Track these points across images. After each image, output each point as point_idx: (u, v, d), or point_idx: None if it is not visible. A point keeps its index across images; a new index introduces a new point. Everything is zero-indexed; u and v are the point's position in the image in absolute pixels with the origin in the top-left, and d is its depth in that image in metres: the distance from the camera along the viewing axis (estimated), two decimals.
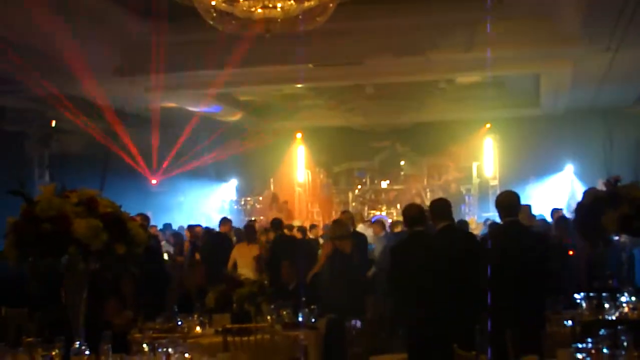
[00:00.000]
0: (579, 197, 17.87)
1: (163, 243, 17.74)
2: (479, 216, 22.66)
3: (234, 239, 16.33)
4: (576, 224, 8.83)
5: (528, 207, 15.73)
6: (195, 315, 9.11)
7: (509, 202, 8.25)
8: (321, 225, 20.74)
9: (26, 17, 13.43)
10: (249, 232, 15.04)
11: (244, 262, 13.93)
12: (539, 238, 8.84)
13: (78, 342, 5.34)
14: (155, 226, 18.04)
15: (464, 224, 14.81)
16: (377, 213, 23.48)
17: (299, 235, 16.84)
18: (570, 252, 12.62)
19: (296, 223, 20.45)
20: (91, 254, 5.07)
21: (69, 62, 15.43)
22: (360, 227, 16.95)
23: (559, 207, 16.77)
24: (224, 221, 17.06)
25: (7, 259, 5.01)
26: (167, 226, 19.88)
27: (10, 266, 5.18)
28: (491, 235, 8.76)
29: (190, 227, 18.48)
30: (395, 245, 9.24)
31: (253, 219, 21.98)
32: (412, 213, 8.60)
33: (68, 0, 13.28)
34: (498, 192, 21.75)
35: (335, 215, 23.23)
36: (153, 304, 11.45)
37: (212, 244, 15.95)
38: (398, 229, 16.71)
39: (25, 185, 5.21)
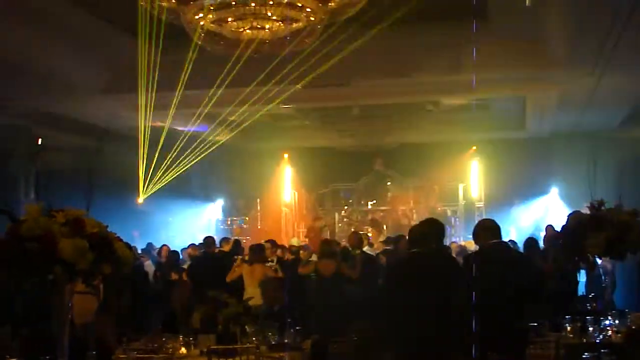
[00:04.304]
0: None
1: (148, 262, 17.71)
2: (465, 237, 22.69)
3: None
4: (560, 246, 8.83)
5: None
6: (180, 336, 9.09)
7: (489, 226, 8.31)
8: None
9: (13, 35, 13.45)
10: (252, 253, 14.86)
11: (249, 282, 13.90)
12: (522, 259, 8.87)
13: None
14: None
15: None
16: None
17: (290, 256, 16.85)
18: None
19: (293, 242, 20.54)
20: (77, 273, 5.07)
21: (57, 80, 15.45)
22: (366, 249, 16.91)
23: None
24: (226, 240, 17.12)
25: None
26: (150, 245, 19.84)
27: None
28: (475, 258, 8.76)
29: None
30: (394, 265, 9.22)
31: (237, 238, 22.02)
32: (414, 234, 8.56)
33: (56, 18, 13.30)
34: (484, 214, 21.98)
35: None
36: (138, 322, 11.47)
37: (204, 264, 15.87)
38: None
39: (10, 204, 5.20)
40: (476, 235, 8.44)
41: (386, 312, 8.53)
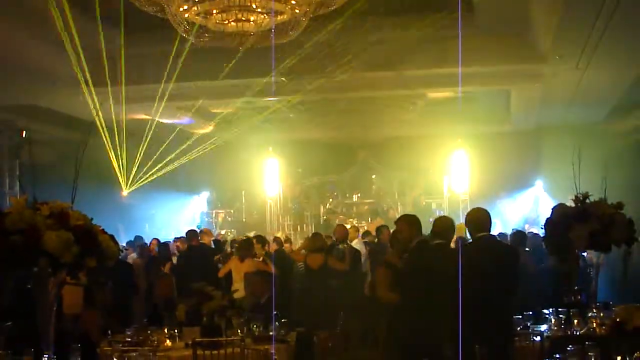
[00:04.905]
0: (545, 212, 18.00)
1: (132, 255, 17.66)
2: None
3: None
4: (545, 239, 8.87)
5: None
6: (165, 328, 9.08)
7: (479, 218, 8.29)
8: (293, 238, 20.98)
9: None
10: (242, 248, 14.81)
11: (237, 276, 13.88)
12: (512, 252, 8.87)
13: (47, 355, 5.31)
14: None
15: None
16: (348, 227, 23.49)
17: (274, 246, 16.86)
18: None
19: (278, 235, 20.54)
20: (61, 266, 5.05)
21: (40, 73, 15.37)
22: (355, 242, 16.90)
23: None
24: (206, 232, 17.13)
25: None
26: (138, 238, 19.80)
27: None
28: (464, 251, 8.80)
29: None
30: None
31: (224, 232, 22.05)
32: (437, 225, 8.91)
33: (38, 11, 13.22)
34: (468, 206, 21.99)
35: (306, 229, 23.42)
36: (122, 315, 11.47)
37: (190, 256, 15.85)
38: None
39: None
40: (466, 225, 8.47)
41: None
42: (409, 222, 9.09)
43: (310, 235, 15.52)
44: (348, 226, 18.25)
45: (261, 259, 14.74)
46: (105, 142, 17.96)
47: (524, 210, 23.63)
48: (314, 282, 13.12)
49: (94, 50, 15.56)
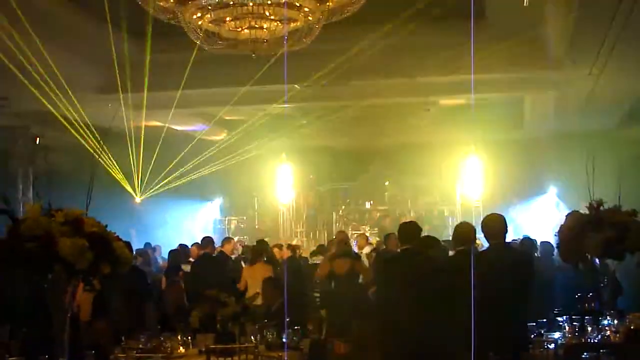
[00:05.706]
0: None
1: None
2: None
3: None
4: (558, 247, 8.84)
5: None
6: (179, 335, 9.08)
7: (493, 225, 8.29)
8: (304, 245, 20.94)
9: (11, 34, 13.42)
10: (252, 253, 14.96)
11: (251, 282, 13.95)
12: (526, 260, 8.88)
13: None
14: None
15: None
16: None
17: (287, 252, 16.87)
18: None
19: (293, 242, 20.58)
20: (76, 273, 5.07)
21: (55, 80, 15.42)
22: (366, 250, 16.89)
23: None
24: (227, 240, 17.15)
25: None
26: (148, 246, 19.77)
27: None
28: (476, 258, 8.80)
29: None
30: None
31: (236, 238, 22.05)
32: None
33: (53, 18, 13.28)
34: (481, 214, 21.93)
35: (319, 236, 23.41)
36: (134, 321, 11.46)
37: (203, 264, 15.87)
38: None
39: (10, 203, 5.20)
40: (482, 232, 8.49)
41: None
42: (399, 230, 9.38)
43: (332, 240, 15.55)
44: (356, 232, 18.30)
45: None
46: (119, 149, 18.01)
47: (552, 222, 23.50)
48: (341, 288, 13.11)
49: (108, 57, 15.62)
